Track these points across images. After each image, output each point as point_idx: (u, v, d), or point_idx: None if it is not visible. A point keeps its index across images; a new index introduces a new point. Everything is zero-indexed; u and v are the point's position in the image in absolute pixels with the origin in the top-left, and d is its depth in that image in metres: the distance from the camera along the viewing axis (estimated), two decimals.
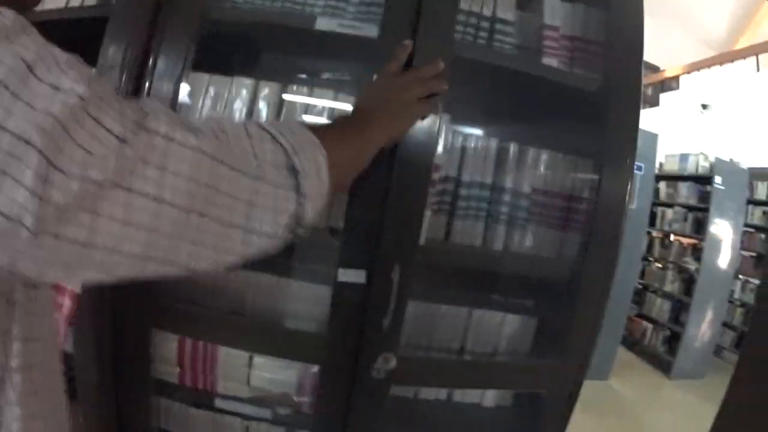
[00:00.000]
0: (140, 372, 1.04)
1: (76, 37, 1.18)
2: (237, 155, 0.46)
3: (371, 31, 0.98)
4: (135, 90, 1.00)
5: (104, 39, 1.01)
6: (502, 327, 1.08)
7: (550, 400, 1.08)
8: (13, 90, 0.34)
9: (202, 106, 1.00)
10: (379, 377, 0.96)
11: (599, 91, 1.04)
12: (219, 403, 1.05)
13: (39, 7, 1.16)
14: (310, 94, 1.00)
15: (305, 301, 1.01)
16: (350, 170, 0.67)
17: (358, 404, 0.98)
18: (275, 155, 0.50)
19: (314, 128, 0.58)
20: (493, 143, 1.04)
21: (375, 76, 0.88)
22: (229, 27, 1.06)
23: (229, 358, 1.02)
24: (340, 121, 0.77)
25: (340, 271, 0.93)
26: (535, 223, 1.05)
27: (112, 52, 1.01)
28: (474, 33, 1.05)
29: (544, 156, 1.06)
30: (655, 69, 9.28)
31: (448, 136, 1.00)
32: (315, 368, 1.00)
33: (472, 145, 1.02)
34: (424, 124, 0.90)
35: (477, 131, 1.13)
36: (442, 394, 1.20)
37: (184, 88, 0.98)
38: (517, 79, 1.03)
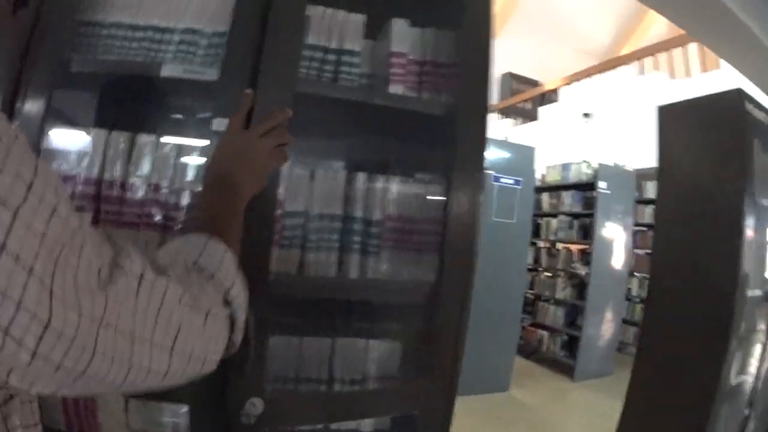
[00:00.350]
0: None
1: None
2: (195, 295, 0.53)
3: (212, 74, 1.01)
4: None
5: None
6: (368, 353, 1.11)
7: (425, 419, 1.10)
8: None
9: (65, 160, 1.02)
10: (249, 423, 0.97)
11: (447, 114, 1.07)
12: None
13: None
14: (157, 141, 1.02)
15: None
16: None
17: None
18: (215, 293, 0.58)
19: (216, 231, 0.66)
20: (341, 175, 1.07)
21: (223, 130, 0.88)
22: (86, 78, 1.09)
23: (107, 403, 1.04)
24: (218, 208, 0.75)
25: None
26: (389, 248, 1.08)
27: None
28: (319, 67, 1.08)
29: (395, 182, 1.09)
30: (534, 83, 9.60)
31: (293, 172, 1.03)
32: (185, 408, 1.02)
33: (320, 178, 1.05)
34: None
35: (324, 164, 1.16)
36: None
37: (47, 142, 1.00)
38: (363, 110, 1.06)
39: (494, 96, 10.15)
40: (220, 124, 1.00)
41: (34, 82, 0.99)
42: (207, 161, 0.85)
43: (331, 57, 1.08)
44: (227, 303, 0.59)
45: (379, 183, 1.08)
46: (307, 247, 1.04)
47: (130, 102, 1.11)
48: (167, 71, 1.04)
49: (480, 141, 1.07)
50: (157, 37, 1.09)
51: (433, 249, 1.10)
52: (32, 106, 0.99)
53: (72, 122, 1.08)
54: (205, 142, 1.03)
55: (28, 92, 1.01)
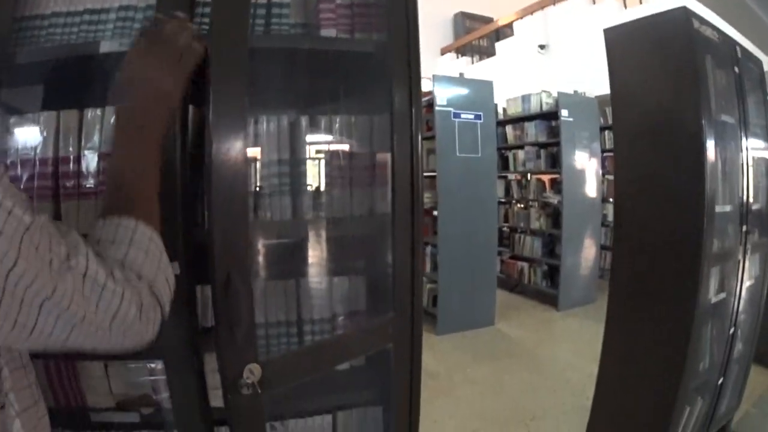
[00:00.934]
0: None
1: None
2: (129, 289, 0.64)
3: None
4: None
5: None
6: (332, 291, 1.15)
7: (397, 352, 1.15)
8: None
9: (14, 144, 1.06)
10: (249, 393, 0.99)
11: (378, 50, 1.11)
12: (94, 416, 1.11)
13: None
14: (102, 115, 1.06)
15: None
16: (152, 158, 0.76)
17: (238, 420, 1.02)
18: (143, 288, 0.67)
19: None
20: (284, 120, 1.11)
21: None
22: (34, 68, 1.13)
23: (87, 371, 1.09)
24: (123, 136, 0.76)
25: None
26: (339, 186, 1.12)
27: None
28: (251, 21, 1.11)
29: (337, 121, 1.13)
30: (488, 20, 9.62)
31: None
32: (160, 364, 1.06)
33: (265, 127, 1.09)
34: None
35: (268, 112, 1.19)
36: None
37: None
38: (297, 57, 1.10)
39: (449, 35, 10.19)
40: None
41: None
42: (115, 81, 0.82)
43: (261, 11, 1.12)
44: (153, 294, 0.68)
45: (322, 123, 1.12)
46: (260, 193, 1.08)
47: (76, 82, 1.16)
48: (105, 47, 1.08)
49: (414, 75, 1.11)
50: (94, 19, 1.13)
51: (382, 183, 1.14)
52: None
53: (21, 111, 1.12)
54: None
55: None
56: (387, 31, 1.14)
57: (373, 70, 1.15)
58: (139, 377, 1.09)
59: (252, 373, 0.99)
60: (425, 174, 4.52)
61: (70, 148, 1.06)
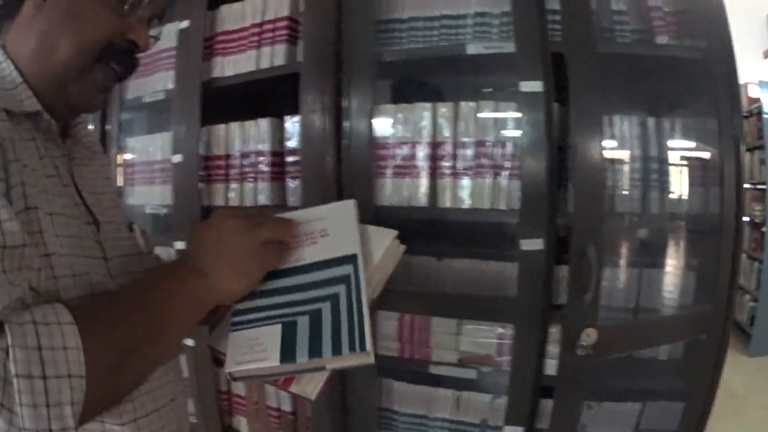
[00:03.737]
0: None
1: (261, 92, 1.50)
2: None
3: (510, 47, 1.19)
4: (336, 128, 1.27)
5: (300, 90, 1.29)
6: (667, 282, 1.25)
7: (709, 343, 1.24)
8: None
9: (395, 130, 1.25)
10: (582, 354, 1.13)
11: (704, 56, 1.20)
12: (433, 369, 1.28)
13: (233, 71, 1.48)
14: (476, 108, 1.22)
15: (496, 275, 1.24)
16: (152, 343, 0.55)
17: (564, 383, 1.16)
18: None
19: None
20: (634, 120, 1.22)
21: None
22: (401, 65, 1.31)
23: (440, 328, 1.25)
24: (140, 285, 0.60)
25: (522, 241, 1.14)
26: (677, 184, 1.22)
27: (309, 101, 1.29)
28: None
29: (677, 123, 1.23)
30: None
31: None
32: (510, 329, 1.20)
33: (618, 126, 1.21)
34: None
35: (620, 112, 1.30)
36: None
37: (377, 120, 1.24)
38: (637, 62, 1.21)
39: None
40: (526, 86, 1.17)
41: (356, 77, 1.24)
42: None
43: (604, 20, 1.23)
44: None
45: (665, 125, 1.22)
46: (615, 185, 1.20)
47: (433, 79, 1.34)
48: (471, 50, 1.23)
49: (732, 78, 1.19)
50: (452, 23, 1.29)
51: (711, 184, 1.22)
52: (361, 93, 1.24)
53: (391, 102, 1.31)
54: (513, 104, 1.21)
55: (352, 84, 1.24)
56: (706, 37, 1.23)
57: (698, 74, 1.23)
58: (487, 338, 1.23)
59: (589, 336, 1.13)
60: (756, 186, 4.27)
61: (446, 134, 1.22)
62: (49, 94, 0.60)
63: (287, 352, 0.57)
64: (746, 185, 5.07)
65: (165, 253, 1.33)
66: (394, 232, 0.69)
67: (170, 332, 0.57)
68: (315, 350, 0.57)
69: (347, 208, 0.71)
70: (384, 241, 0.68)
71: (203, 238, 0.62)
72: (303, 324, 0.59)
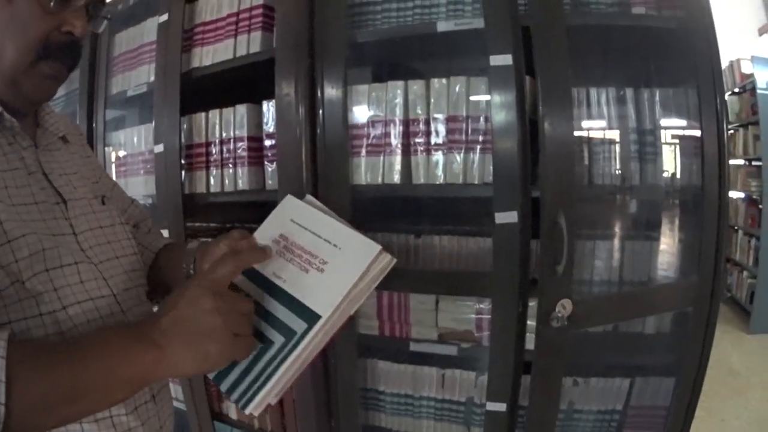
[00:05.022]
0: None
1: (241, 79, 1.51)
2: None
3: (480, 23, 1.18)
4: (311, 110, 1.27)
5: (275, 76, 1.30)
6: (652, 255, 1.24)
7: (695, 316, 1.24)
8: None
9: (368, 110, 1.26)
10: (558, 326, 1.12)
11: (680, 26, 1.20)
12: (413, 346, 1.28)
13: (211, 60, 1.50)
14: (447, 85, 1.22)
15: (474, 251, 1.24)
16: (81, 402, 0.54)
17: (542, 357, 1.15)
18: None
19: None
20: (611, 92, 1.21)
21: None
22: (372, 46, 1.31)
23: (419, 304, 1.26)
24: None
25: (497, 215, 1.14)
26: (656, 155, 1.21)
27: (284, 86, 1.30)
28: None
29: (657, 94, 1.22)
30: None
31: None
32: (488, 305, 1.20)
33: (595, 99, 1.21)
34: None
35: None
36: (608, 326, 1.36)
37: (350, 99, 1.25)
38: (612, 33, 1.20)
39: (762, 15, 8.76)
40: (495, 60, 1.17)
41: (329, 59, 1.25)
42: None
43: None
44: None
45: (645, 96, 1.22)
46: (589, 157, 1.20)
47: (406, 58, 1.34)
48: (443, 27, 1.24)
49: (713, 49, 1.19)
50: (426, 3, 1.30)
51: (692, 155, 1.22)
52: (334, 75, 1.24)
53: (366, 82, 1.32)
54: (484, 79, 1.21)
55: (325, 66, 1.25)
56: (685, 7, 1.22)
57: (677, 45, 1.23)
58: (466, 314, 1.24)
59: (564, 307, 1.13)
60: (751, 162, 4.30)
61: (418, 111, 1.23)
62: (4, 92, 0.65)
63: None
64: (741, 161, 5.02)
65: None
66: (377, 248, 0.65)
67: (104, 391, 0.56)
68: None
69: (369, 250, 0.66)
70: (367, 259, 0.65)
71: (174, 310, 0.59)
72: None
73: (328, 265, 0.65)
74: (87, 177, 0.79)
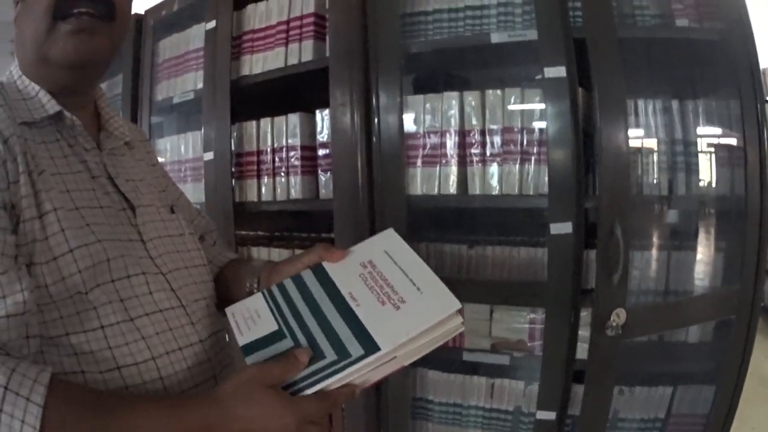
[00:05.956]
0: None
1: (293, 88, 1.53)
2: None
3: (532, 35, 1.20)
4: (366, 120, 1.29)
5: (330, 85, 1.31)
6: (695, 264, 1.26)
7: (738, 324, 1.25)
8: None
9: (423, 120, 1.27)
10: (612, 335, 1.13)
11: (722, 38, 1.21)
12: (466, 356, 1.29)
13: (261, 69, 1.52)
14: (502, 96, 1.24)
15: (527, 261, 1.26)
16: None
17: (594, 365, 1.16)
18: None
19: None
20: (659, 104, 1.23)
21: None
22: (425, 56, 1.32)
23: (473, 314, 1.27)
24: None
25: (551, 225, 1.15)
26: (698, 167, 1.23)
27: (339, 95, 1.32)
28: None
29: (701, 105, 1.24)
30: None
31: None
32: (541, 314, 1.21)
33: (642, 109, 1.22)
34: None
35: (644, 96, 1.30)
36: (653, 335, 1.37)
37: (405, 110, 1.26)
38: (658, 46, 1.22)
39: None
40: (550, 72, 1.18)
41: (384, 69, 1.26)
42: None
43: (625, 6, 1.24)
44: None
45: (690, 108, 1.23)
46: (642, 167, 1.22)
47: (461, 68, 1.36)
48: (496, 39, 1.25)
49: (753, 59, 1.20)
50: (477, 13, 1.31)
51: (736, 165, 1.23)
52: (389, 85, 1.26)
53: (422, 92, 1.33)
54: (538, 91, 1.22)
55: (380, 76, 1.27)
56: (725, 19, 1.23)
57: (718, 56, 1.25)
58: (519, 323, 1.25)
59: (618, 316, 1.14)
60: None
61: (474, 122, 1.24)
62: (43, 75, 0.64)
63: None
64: None
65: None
66: (457, 304, 0.63)
67: None
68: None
69: (449, 303, 0.63)
70: (445, 311, 0.62)
71: (236, 408, 0.56)
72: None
73: (405, 305, 0.64)
74: (153, 185, 0.78)
